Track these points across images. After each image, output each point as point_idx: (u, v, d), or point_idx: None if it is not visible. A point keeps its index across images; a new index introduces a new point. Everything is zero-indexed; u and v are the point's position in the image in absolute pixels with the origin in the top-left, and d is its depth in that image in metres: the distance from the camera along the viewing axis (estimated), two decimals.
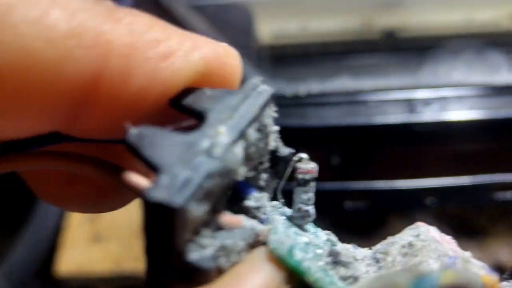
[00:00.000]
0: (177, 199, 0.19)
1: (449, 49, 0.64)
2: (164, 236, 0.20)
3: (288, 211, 0.26)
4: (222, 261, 0.22)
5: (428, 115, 0.54)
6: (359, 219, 0.62)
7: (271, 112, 0.25)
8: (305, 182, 0.25)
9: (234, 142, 0.22)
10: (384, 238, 0.33)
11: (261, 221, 0.24)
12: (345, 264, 0.24)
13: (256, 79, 0.25)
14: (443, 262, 0.22)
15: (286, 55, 0.64)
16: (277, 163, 0.26)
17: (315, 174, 0.25)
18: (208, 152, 0.21)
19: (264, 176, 0.26)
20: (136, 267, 0.67)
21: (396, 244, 0.24)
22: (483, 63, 0.62)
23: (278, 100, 0.54)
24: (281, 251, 0.22)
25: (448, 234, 0.25)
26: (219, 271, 0.22)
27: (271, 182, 0.27)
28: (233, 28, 0.61)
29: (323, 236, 0.26)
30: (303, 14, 0.67)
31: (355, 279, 0.23)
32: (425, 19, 0.69)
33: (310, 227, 0.26)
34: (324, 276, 0.22)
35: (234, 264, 0.22)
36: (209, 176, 0.20)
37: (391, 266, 0.24)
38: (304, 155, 0.25)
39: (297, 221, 0.25)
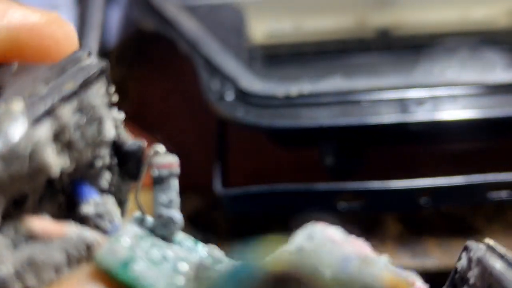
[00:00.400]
0: None
1: (443, 47, 0.63)
2: None
3: (151, 220, 0.21)
4: (30, 281, 0.18)
5: (421, 115, 0.53)
6: (353, 220, 0.61)
7: (102, 91, 0.20)
8: (162, 180, 0.20)
9: (35, 121, 0.18)
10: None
11: (106, 232, 0.20)
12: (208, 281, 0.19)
13: (80, 52, 0.21)
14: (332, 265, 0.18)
15: (278, 55, 0.63)
16: (127, 160, 0.22)
17: (176, 170, 0.21)
18: None
19: (106, 175, 0.22)
20: None
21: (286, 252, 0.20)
22: (478, 61, 0.61)
23: (270, 100, 0.54)
24: (110, 263, 0.18)
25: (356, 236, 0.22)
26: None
27: (124, 185, 0.22)
28: (225, 28, 0.61)
29: (202, 250, 0.21)
30: (296, 13, 0.66)
31: None
32: (419, 18, 0.68)
33: (185, 239, 0.21)
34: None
35: (51, 284, 0.18)
36: None
37: None
38: (160, 148, 0.21)
39: (159, 230, 0.20)
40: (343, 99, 0.53)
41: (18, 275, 0.17)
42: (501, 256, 0.22)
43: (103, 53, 0.63)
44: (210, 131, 0.58)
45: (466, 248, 0.23)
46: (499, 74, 0.58)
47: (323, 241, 0.20)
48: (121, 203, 0.22)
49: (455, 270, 0.24)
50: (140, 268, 0.18)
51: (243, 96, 0.54)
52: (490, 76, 0.58)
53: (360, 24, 0.67)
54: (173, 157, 0.21)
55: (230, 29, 0.60)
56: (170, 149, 0.22)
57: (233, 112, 0.53)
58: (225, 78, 0.55)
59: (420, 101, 0.54)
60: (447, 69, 0.59)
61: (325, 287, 0.13)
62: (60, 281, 0.18)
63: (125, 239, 0.19)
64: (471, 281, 0.23)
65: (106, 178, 0.22)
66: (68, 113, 0.19)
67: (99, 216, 0.20)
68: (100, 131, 0.20)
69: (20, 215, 0.18)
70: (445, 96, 0.54)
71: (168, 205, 0.20)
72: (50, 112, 0.18)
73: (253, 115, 0.53)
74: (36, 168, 0.18)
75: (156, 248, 0.20)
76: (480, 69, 0.60)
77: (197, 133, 0.64)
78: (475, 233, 0.62)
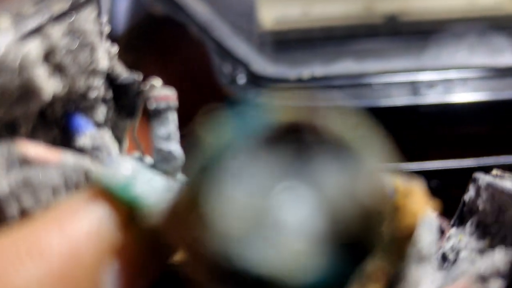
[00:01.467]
0: None
1: (451, 32, 0.63)
2: None
3: (150, 159, 0.20)
4: (26, 200, 0.17)
5: (432, 97, 0.54)
6: None
7: (92, 17, 0.20)
8: (160, 113, 0.20)
9: (24, 36, 0.17)
10: None
11: (104, 164, 0.19)
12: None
13: None
14: None
15: (288, 40, 0.63)
16: (122, 94, 0.21)
17: (173, 103, 0.20)
18: None
19: (102, 108, 0.21)
20: None
21: None
22: (486, 45, 0.62)
23: (282, 83, 0.54)
24: (113, 182, 0.17)
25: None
26: (23, 212, 0.17)
27: (121, 121, 0.22)
28: (235, 13, 0.61)
29: None
30: None
31: None
32: (427, 3, 0.69)
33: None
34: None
35: (48, 206, 0.17)
36: None
37: None
38: (156, 81, 0.20)
39: (160, 166, 0.20)
40: (355, 82, 0.54)
41: (14, 195, 0.17)
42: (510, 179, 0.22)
43: (112, 38, 0.63)
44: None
45: (474, 180, 0.24)
46: (507, 58, 0.59)
47: None
48: (119, 141, 0.21)
49: (463, 203, 0.24)
50: (141, 188, 0.17)
51: (255, 79, 0.54)
52: (499, 60, 0.58)
53: (368, 9, 0.67)
54: (170, 90, 0.21)
55: (241, 14, 0.61)
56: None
57: (245, 95, 0.53)
58: (237, 62, 0.55)
59: (430, 84, 0.54)
60: (456, 53, 0.60)
61: (337, 136, 0.12)
62: (59, 202, 0.17)
63: (126, 167, 0.18)
64: (480, 207, 0.23)
65: (102, 111, 0.21)
66: (57, 34, 0.18)
67: (96, 148, 0.19)
68: (92, 58, 0.20)
69: (14, 141, 0.18)
70: (456, 79, 0.55)
71: (167, 138, 0.20)
72: (38, 30, 0.18)
73: (265, 97, 0.53)
74: (26, 86, 0.17)
75: (156, 179, 0.19)
76: (489, 53, 0.60)
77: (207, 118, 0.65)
78: None
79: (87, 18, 0.20)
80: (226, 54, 0.56)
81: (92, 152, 0.20)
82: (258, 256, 0.11)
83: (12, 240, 0.16)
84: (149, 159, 0.21)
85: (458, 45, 0.61)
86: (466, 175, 0.57)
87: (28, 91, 0.18)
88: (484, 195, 0.23)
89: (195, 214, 0.13)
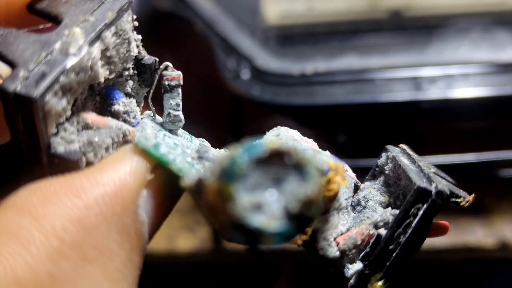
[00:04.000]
0: (33, 91, 0.21)
1: (455, 27, 0.64)
2: (27, 130, 0.22)
3: (160, 118, 0.28)
4: (90, 156, 0.24)
5: (434, 93, 0.54)
6: None
7: (130, 18, 0.26)
8: (171, 88, 0.26)
9: (90, 42, 0.23)
10: None
11: (132, 125, 0.26)
12: (209, 159, 0.26)
13: None
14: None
15: (293, 35, 0.64)
16: (144, 71, 0.27)
17: (180, 81, 0.27)
18: (63, 50, 0.23)
19: (131, 83, 0.27)
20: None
21: None
22: (489, 41, 0.62)
23: (285, 78, 0.55)
24: (145, 145, 0.24)
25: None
26: (88, 165, 0.24)
27: (140, 90, 0.28)
28: (240, 8, 0.61)
29: (196, 141, 0.28)
30: None
31: None
32: None
33: (183, 133, 0.28)
34: (188, 166, 0.25)
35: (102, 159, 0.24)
36: (65, 71, 0.22)
37: None
38: (169, 63, 0.27)
39: (168, 126, 0.27)
40: (357, 77, 0.54)
41: (82, 152, 0.24)
42: (409, 155, 0.30)
43: None
44: (225, 110, 0.59)
45: (385, 150, 0.30)
46: (510, 53, 0.59)
47: (286, 138, 0.28)
48: (138, 104, 0.28)
49: (376, 165, 0.31)
50: (164, 149, 0.25)
51: (259, 74, 0.55)
52: (501, 55, 0.58)
53: (372, 5, 0.68)
54: (178, 71, 0.27)
55: (245, 9, 0.61)
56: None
57: (249, 90, 0.54)
58: (241, 57, 0.56)
59: (433, 80, 0.55)
60: (459, 48, 0.60)
61: (300, 158, 0.21)
62: (110, 155, 0.24)
63: (149, 128, 0.26)
64: (386, 172, 0.29)
65: (130, 85, 0.27)
66: (109, 36, 0.24)
67: (126, 113, 0.26)
68: (128, 49, 0.26)
69: (76, 111, 0.24)
70: (458, 75, 0.55)
71: (176, 107, 0.27)
72: (99, 36, 0.24)
73: (269, 93, 0.54)
74: (92, 77, 0.24)
75: (168, 137, 0.26)
76: (492, 48, 0.61)
77: (212, 112, 0.65)
78: (485, 210, 0.63)
79: (126, 19, 0.26)
80: (231, 49, 0.56)
81: (124, 115, 0.27)
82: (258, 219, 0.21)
83: (57, 181, 0.22)
84: (159, 118, 0.28)
85: (461, 41, 0.62)
86: (467, 170, 0.58)
87: (92, 79, 0.24)
88: (390, 164, 0.29)
89: (219, 197, 0.21)
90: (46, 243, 0.21)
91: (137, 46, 0.27)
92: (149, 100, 0.28)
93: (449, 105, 0.55)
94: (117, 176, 0.23)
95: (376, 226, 0.27)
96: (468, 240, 0.63)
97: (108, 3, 0.25)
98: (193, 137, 0.29)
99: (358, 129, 0.57)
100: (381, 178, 0.30)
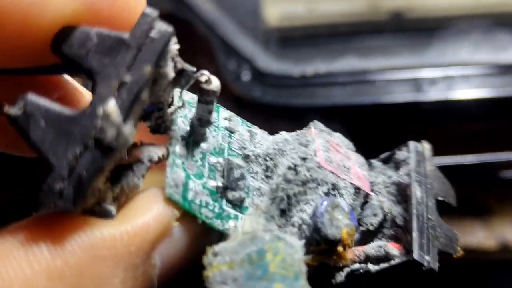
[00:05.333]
0: (69, 204, 0.20)
1: (456, 29, 0.64)
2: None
3: (191, 113, 0.28)
4: (122, 200, 0.24)
5: (434, 94, 0.54)
6: None
7: (174, 40, 0.24)
8: (206, 102, 0.26)
9: (125, 120, 0.21)
10: None
11: (165, 129, 0.27)
12: (234, 185, 0.27)
13: (148, 17, 0.23)
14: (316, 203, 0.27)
15: (293, 37, 0.64)
16: (179, 78, 0.26)
17: (217, 94, 0.27)
18: (99, 140, 0.21)
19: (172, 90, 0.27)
20: None
21: (286, 156, 0.28)
22: (490, 42, 0.62)
23: (286, 80, 0.55)
24: (175, 197, 0.24)
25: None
26: (120, 207, 0.24)
27: (171, 90, 0.27)
28: (241, 10, 0.61)
29: (223, 123, 0.29)
30: None
31: (241, 201, 0.27)
32: (431, 0, 0.69)
33: (213, 115, 0.28)
34: (210, 218, 0.25)
35: (130, 193, 0.24)
36: (98, 170, 0.21)
37: (275, 189, 0.27)
38: (205, 72, 0.26)
39: (198, 129, 0.27)
40: (357, 79, 0.54)
41: (115, 201, 0.24)
42: (421, 164, 0.31)
43: None
44: None
45: (406, 145, 0.32)
46: (511, 55, 0.59)
47: (312, 167, 0.28)
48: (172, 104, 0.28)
49: (393, 153, 0.32)
50: (191, 194, 0.25)
51: (260, 76, 0.55)
52: (502, 57, 0.58)
53: (372, 6, 0.68)
54: (217, 83, 0.26)
55: (246, 11, 0.61)
56: None
57: (250, 92, 0.54)
58: (242, 59, 0.56)
59: (433, 81, 0.55)
60: (459, 49, 0.60)
61: None
62: (138, 199, 0.24)
63: (179, 169, 0.26)
64: (396, 178, 0.31)
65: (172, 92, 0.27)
66: (146, 93, 0.23)
67: (160, 118, 0.27)
68: (173, 62, 0.25)
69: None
70: (458, 76, 0.55)
71: (207, 113, 0.27)
72: (136, 99, 0.22)
73: (270, 94, 0.54)
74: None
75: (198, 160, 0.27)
76: (492, 49, 0.61)
77: None
78: (486, 212, 0.63)
79: (172, 41, 0.24)
80: (231, 51, 0.56)
81: (157, 121, 0.27)
82: None
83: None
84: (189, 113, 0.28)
85: (461, 42, 0.62)
86: (468, 171, 0.57)
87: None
88: (403, 173, 0.31)
89: None
90: (50, 261, 0.21)
91: (175, 66, 0.25)
92: (181, 94, 0.27)
93: (449, 106, 0.55)
94: (140, 219, 0.23)
95: (368, 258, 0.27)
96: (469, 241, 0.63)
97: (145, 49, 0.22)
98: (220, 117, 0.29)
99: (359, 131, 0.57)
100: (393, 161, 0.31)
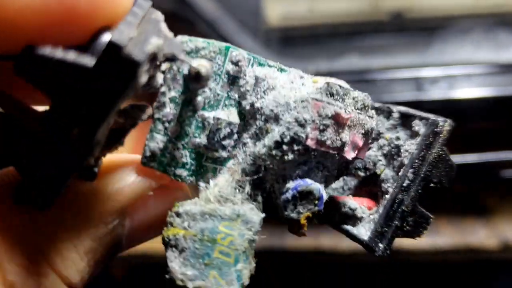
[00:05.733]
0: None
1: (457, 28, 0.64)
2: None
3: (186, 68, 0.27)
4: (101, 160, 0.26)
5: (435, 93, 0.54)
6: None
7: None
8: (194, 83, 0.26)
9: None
10: None
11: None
12: (217, 146, 0.27)
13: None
14: None
15: (294, 36, 0.64)
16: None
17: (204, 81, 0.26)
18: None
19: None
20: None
21: (278, 126, 0.26)
22: (491, 41, 0.62)
23: None
24: (148, 165, 0.26)
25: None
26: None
27: None
28: (242, 9, 0.61)
29: (228, 67, 0.27)
30: None
31: (222, 160, 0.27)
32: (432, 0, 0.69)
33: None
34: (184, 176, 0.27)
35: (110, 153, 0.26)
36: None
37: (256, 158, 0.27)
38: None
39: (191, 86, 0.26)
40: (359, 78, 0.54)
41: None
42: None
43: None
44: None
45: (427, 119, 0.31)
46: None
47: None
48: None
49: (414, 117, 0.31)
50: (167, 160, 0.27)
51: None
52: (503, 56, 0.58)
53: (373, 6, 0.68)
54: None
55: (247, 10, 0.61)
56: None
57: None
58: None
59: (434, 80, 0.55)
60: (460, 49, 0.60)
61: None
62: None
63: (158, 130, 0.27)
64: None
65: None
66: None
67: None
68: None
69: None
70: (459, 75, 0.55)
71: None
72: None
73: None
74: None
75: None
76: (494, 49, 0.61)
77: None
78: (488, 211, 0.63)
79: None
80: None
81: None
82: None
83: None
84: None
85: (462, 42, 0.62)
86: (469, 171, 0.57)
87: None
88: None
89: None
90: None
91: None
92: None
93: (451, 105, 0.55)
94: (116, 186, 0.27)
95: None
96: (470, 241, 0.63)
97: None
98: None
99: None
100: (400, 143, 0.30)
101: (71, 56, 0.21)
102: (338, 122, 0.26)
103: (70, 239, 0.24)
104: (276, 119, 0.27)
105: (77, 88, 0.21)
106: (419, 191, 0.28)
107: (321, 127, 0.26)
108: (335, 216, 0.29)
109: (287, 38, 0.63)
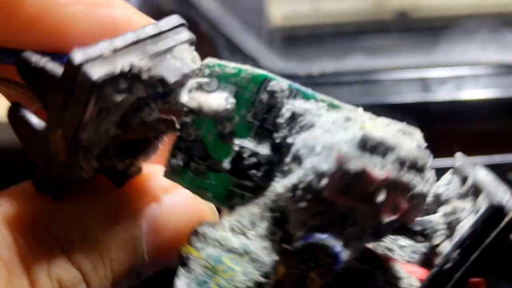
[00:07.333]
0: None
1: (463, 28, 0.63)
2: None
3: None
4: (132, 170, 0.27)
5: (443, 94, 0.53)
6: None
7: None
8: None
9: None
10: None
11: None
12: (241, 173, 0.26)
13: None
14: None
15: (298, 36, 0.63)
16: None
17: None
18: None
19: None
20: None
21: (299, 169, 0.24)
22: (498, 42, 0.61)
23: (291, 79, 0.54)
24: (171, 178, 0.27)
25: None
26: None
27: None
28: (245, 8, 0.61)
29: (263, 96, 0.26)
30: None
31: (248, 189, 0.26)
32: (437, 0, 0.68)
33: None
34: (208, 197, 0.27)
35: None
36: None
37: (276, 195, 0.25)
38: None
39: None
40: (365, 78, 0.53)
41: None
42: None
43: None
44: None
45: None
46: None
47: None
48: None
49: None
50: (190, 177, 0.27)
51: None
52: (510, 56, 0.58)
53: (378, 5, 0.67)
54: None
55: (251, 10, 0.61)
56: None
57: None
58: (246, 58, 0.55)
59: (441, 81, 0.54)
60: (467, 49, 0.59)
61: None
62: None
63: (180, 148, 0.27)
64: None
65: None
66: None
67: None
68: None
69: None
70: (467, 76, 0.54)
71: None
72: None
73: None
74: None
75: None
76: (500, 49, 0.60)
77: None
78: None
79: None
80: (236, 50, 0.56)
81: None
82: None
83: None
84: None
85: (469, 42, 0.61)
86: None
87: None
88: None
89: None
90: None
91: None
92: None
93: (458, 106, 0.54)
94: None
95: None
96: None
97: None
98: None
99: None
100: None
101: (50, 65, 0.23)
102: (367, 179, 0.23)
103: (80, 228, 0.25)
104: (299, 161, 0.24)
105: (54, 96, 0.22)
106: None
107: (343, 181, 0.23)
108: (379, 278, 0.26)
109: (290, 37, 0.62)
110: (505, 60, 0.57)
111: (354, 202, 0.22)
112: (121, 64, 0.22)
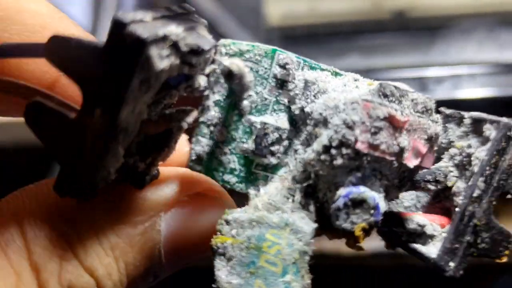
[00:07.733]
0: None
1: (459, 28, 0.63)
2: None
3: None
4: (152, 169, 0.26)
5: (440, 93, 0.53)
6: None
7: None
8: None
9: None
10: None
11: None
12: (265, 151, 0.26)
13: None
14: None
15: (295, 36, 0.63)
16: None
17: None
18: None
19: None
20: None
21: (327, 130, 0.25)
22: (494, 41, 0.61)
23: None
24: (195, 169, 0.27)
25: None
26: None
27: None
28: (242, 8, 0.61)
29: (275, 70, 0.27)
30: None
31: (272, 167, 0.27)
32: None
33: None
34: (233, 183, 0.27)
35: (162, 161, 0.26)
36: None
37: (306, 164, 0.25)
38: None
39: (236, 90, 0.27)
40: None
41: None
42: None
43: None
44: None
45: (498, 122, 0.27)
46: None
47: None
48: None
49: (485, 121, 0.28)
50: (215, 164, 0.27)
51: None
52: (507, 55, 0.58)
53: (375, 5, 0.67)
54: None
55: (248, 9, 0.60)
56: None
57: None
58: None
59: (439, 80, 0.54)
60: (464, 48, 0.59)
61: None
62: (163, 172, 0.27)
63: (203, 134, 0.27)
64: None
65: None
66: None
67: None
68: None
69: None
70: (464, 75, 0.54)
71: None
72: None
73: None
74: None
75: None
76: (497, 48, 0.60)
77: None
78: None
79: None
80: None
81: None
82: None
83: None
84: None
85: (466, 41, 0.61)
86: None
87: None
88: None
89: None
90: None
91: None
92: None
93: (455, 105, 0.54)
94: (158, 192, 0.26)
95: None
96: None
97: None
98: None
99: None
100: (471, 151, 0.28)
101: (86, 39, 0.22)
102: (393, 125, 0.24)
103: (95, 232, 0.24)
104: (325, 122, 0.25)
105: (94, 70, 0.21)
106: (493, 202, 0.25)
107: (373, 130, 0.24)
108: (402, 234, 0.27)
109: (288, 37, 0.62)
110: (502, 59, 0.57)
111: (383, 153, 0.24)
112: (162, 29, 0.21)
